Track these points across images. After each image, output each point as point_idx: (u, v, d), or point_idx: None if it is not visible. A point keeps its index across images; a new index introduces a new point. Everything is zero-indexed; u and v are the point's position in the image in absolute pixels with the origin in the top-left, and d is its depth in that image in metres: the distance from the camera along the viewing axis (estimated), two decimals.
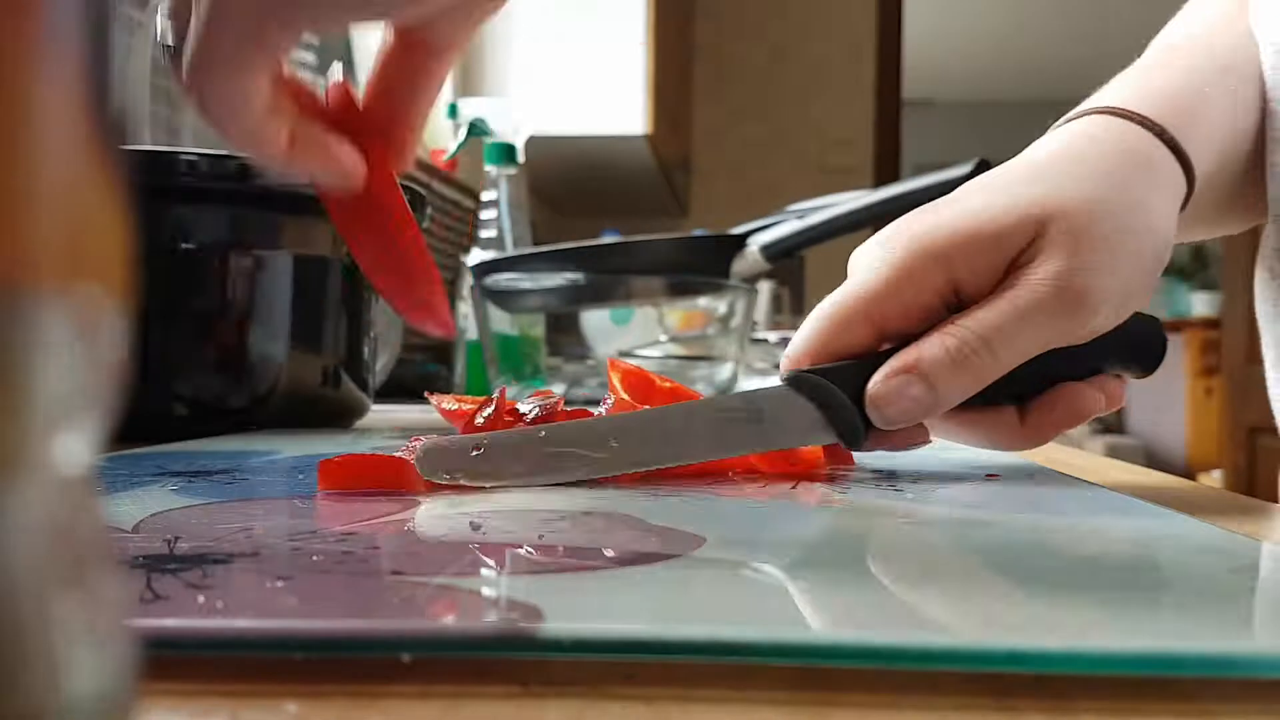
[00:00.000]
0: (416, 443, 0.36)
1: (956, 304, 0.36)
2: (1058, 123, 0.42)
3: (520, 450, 0.35)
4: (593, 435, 0.35)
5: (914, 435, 0.38)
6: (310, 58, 1.42)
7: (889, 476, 0.38)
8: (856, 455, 0.41)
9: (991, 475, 0.38)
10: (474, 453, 0.34)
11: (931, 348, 0.35)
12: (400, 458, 0.35)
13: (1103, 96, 0.41)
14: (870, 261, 0.37)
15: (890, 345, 0.37)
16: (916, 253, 0.36)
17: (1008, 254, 0.35)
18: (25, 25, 0.10)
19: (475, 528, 0.28)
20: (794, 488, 0.35)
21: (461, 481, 0.33)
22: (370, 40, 1.64)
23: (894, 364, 0.35)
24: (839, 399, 0.36)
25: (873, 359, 0.36)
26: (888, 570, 0.23)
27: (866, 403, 0.35)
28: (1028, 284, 0.35)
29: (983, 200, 0.36)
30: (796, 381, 0.37)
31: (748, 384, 1.02)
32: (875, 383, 0.35)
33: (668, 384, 0.41)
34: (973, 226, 0.35)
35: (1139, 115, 0.39)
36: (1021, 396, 0.38)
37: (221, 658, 0.17)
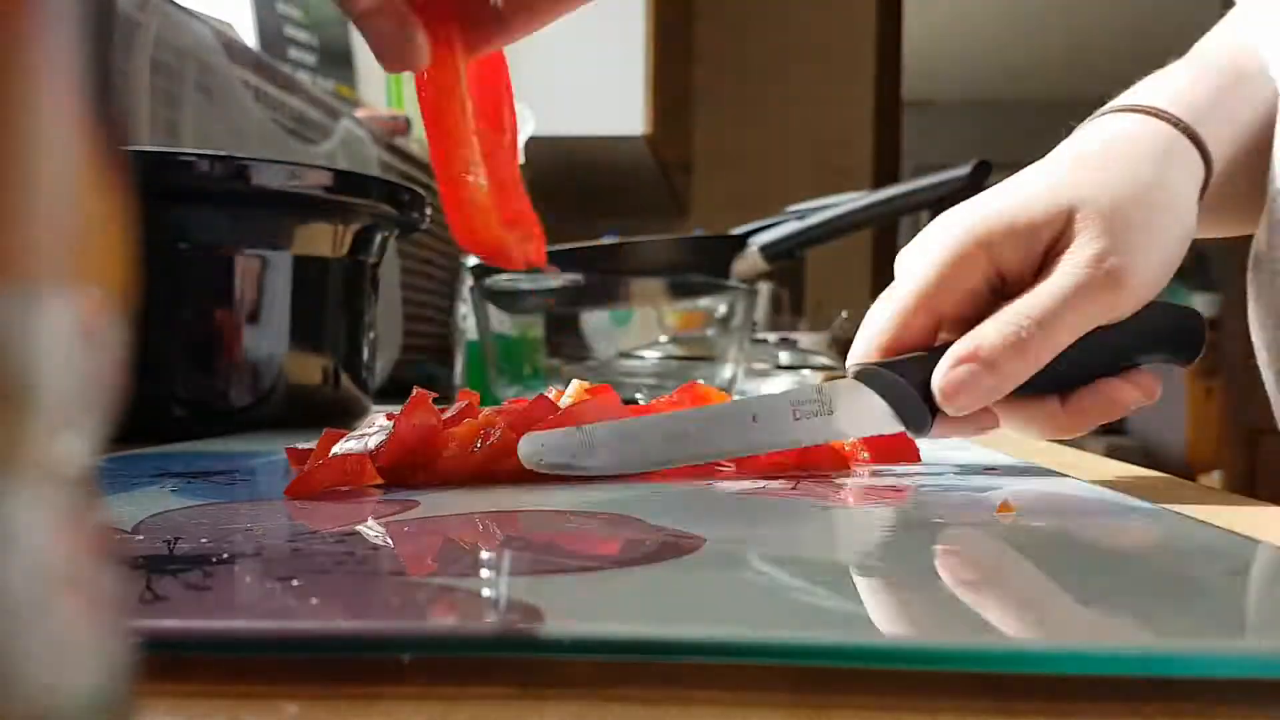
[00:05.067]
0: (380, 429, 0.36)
1: (1003, 290, 0.39)
2: (1085, 120, 0.45)
3: (615, 441, 0.36)
4: (675, 425, 0.38)
5: (982, 420, 0.39)
6: (310, 59, 1.42)
7: (888, 476, 0.38)
8: (883, 457, 0.42)
9: (990, 469, 0.38)
10: (579, 441, 0.36)
11: (989, 334, 0.37)
12: (356, 455, 0.34)
13: (1125, 97, 0.45)
14: (919, 255, 0.40)
15: (947, 336, 0.39)
16: (964, 240, 0.38)
17: (1044, 240, 0.38)
18: (24, 25, 0.10)
19: (474, 528, 0.28)
20: (794, 488, 0.35)
21: (564, 472, 0.35)
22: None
23: (956, 353, 0.37)
24: (905, 389, 0.38)
25: (932, 351, 0.38)
26: (886, 571, 0.23)
27: (936, 393, 0.37)
28: (1066, 267, 0.37)
29: (1018, 191, 0.39)
30: (864, 375, 0.39)
31: (748, 385, 1.02)
32: (940, 373, 0.37)
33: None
34: (1009, 214, 0.38)
35: (1158, 110, 0.42)
36: (1063, 390, 0.39)
37: (221, 658, 0.17)
